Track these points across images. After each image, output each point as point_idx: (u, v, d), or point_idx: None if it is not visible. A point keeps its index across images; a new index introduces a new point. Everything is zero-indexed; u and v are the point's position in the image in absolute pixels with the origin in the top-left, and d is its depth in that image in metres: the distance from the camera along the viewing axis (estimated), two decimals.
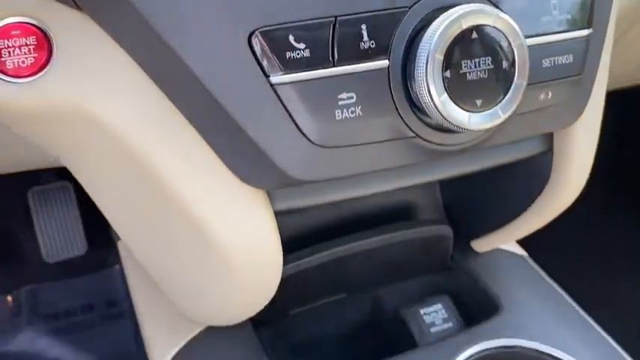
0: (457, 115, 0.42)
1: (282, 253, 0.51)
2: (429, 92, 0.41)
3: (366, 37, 0.42)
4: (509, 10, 0.45)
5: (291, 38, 0.41)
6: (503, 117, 0.44)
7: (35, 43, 0.43)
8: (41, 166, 0.75)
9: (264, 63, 0.41)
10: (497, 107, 0.43)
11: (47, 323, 1.13)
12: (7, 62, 0.43)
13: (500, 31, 0.43)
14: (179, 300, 0.61)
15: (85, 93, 0.44)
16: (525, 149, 0.55)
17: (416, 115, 0.45)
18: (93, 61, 0.44)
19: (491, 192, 0.68)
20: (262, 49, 0.41)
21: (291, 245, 0.54)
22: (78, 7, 0.43)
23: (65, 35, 0.43)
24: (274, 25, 0.41)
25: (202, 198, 0.47)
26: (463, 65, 0.42)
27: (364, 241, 0.65)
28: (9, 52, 0.43)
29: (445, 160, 0.51)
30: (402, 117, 0.44)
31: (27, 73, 0.43)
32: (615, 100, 0.73)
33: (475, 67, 0.42)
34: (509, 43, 0.43)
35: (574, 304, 0.70)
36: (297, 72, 0.41)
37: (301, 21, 0.41)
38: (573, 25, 0.48)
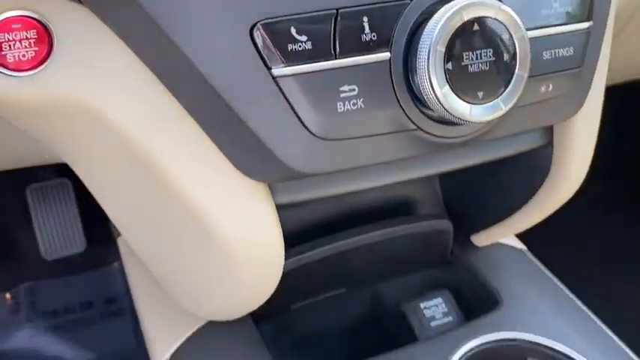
0: (459, 107, 0.42)
1: (283, 246, 0.51)
2: (431, 84, 0.41)
3: (367, 30, 0.42)
4: (510, 2, 0.45)
5: (293, 30, 0.41)
6: (504, 109, 0.44)
7: (36, 36, 0.43)
8: (40, 162, 0.74)
9: (266, 55, 0.41)
10: (499, 99, 0.43)
11: (46, 321, 1.12)
12: (7, 56, 0.42)
13: (502, 23, 0.43)
14: (180, 295, 0.61)
15: (88, 87, 0.44)
16: (526, 142, 0.55)
17: (417, 107, 0.45)
18: (95, 55, 0.44)
19: (491, 186, 0.69)
20: (264, 42, 0.41)
21: (292, 240, 0.54)
22: (79, 1, 0.43)
23: (66, 29, 0.43)
24: (276, 17, 0.41)
25: (204, 192, 0.47)
26: (465, 57, 0.42)
27: (365, 236, 0.65)
28: (9, 45, 0.42)
29: (446, 152, 0.51)
30: (403, 109, 0.44)
31: (27, 67, 0.43)
32: (615, 95, 0.73)
33: (477, 59, 0.42)
34: (511, 36, 0.43)
35: (573, 297, 0.70)
36: (298, 64, 0.41)
37: (303, 13, 0.41)
38: (574, 18, 0.48)
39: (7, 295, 1.13)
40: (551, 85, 0.49)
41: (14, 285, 1.12)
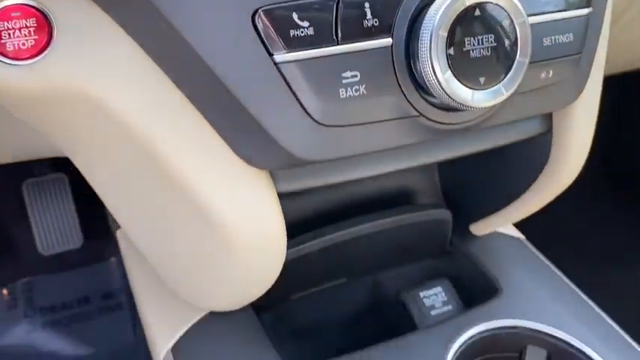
0: (460, 92, 0.42)
1: (285, 234, 0.51)
2: (433, 69, 0.42)
3: (369, 15, 0.42)
4: None
5: (295, 16, 0.41)
6: (506, 94, 0.44)
7: (35, 25, 0.42)
8: (38, 156, 0.74)
9: (268, 41, 0.41)
10: (500, 85, 0.44)
11: (43, 316, 1.12)
12: (7, 44, 0.42)
13: (503, 8, 0.43)
14: (180, 286, 0.61)
15: (88, 76, 0.44)
16: (526, 130, 0.56)
17: (419, 93, 0.45)
18: (95, 44, 0.44)
19: (489, 175, 0.69)
20: (265, 28, 0.41)
21: (292, 230, 0.54)
22: None
23: (66, 17, 0.43)
24: (278, 3, 0.41)
25: (206, 180, 0.47)
26: (466, 42, 0.42)
27: (365, 226, 0.65)
28: (9, 34, 0.42)
29: (448, 140, 0.51)
30: (405, 95, 0.44)
31: (27, 56, 0.43)
32: (614, 85, 0.73)
33: (478, 44, 0.42)
34: (512, 21, 0.43)
35: (572, 285, 0.70)
36: (300, 50, 0.41)
37: None
38: (573, 4, 0.49)
39: (4, 291, 1.12)
40: (551, 72, 0.49)
41: (11, 281, 1.12)
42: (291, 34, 0.41)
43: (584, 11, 0.49)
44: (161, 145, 0.46)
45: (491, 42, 0.43)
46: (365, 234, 0.66)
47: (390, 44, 0.43)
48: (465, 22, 0.42)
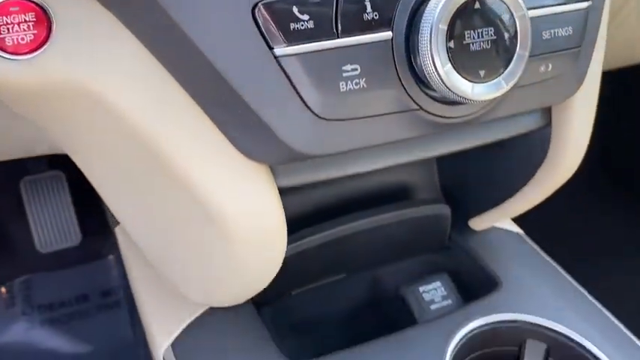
0: (461, 85, 0.42)
1: (286, 229, 0.51)
2: (433, 62, 0.42)
3: (369, 9, 0.42)
4: None
5: (295, 10, 0.41)
6: (506, 87, 0.44)
7: (34, 19, 0.42)
8: (35, 153, 0.74)
9: (268, 35, 0.41)
10: (500, 78, 0.44)
11: (41, 314, 1.12)
12: (6, 39, 0.42)
13: (503, 1, 0.43)
14: (180, 282, 0.61)
15: (88, 72, 0.44)
16: (525, 124, 0.56)
17: (419, 87, 0.45)
18: (95, 39, 0.44)
19: (488, 170, 0.69)
20: (266, 21, 0.41)
21: (291, 226, 0.54)
22: None
23: (65, 12, 0.43)
24: None
25: (206, 174, 0.47)
26: (466, 36, 0.42)
27: (364, 221, 0.66)
28: (8, 28, 0.42)
29: (448, 133, 0.52)
30: (405, 89, 0.44)
31: (26, 50, 0.43)
32: (613, 80, 0.73)
33: (478, 37, 0.42)
34: (512, 14, 0.43)
35: (571, 279, 0.71)
36: (301, 44, 0.41)
37: None
38: None
39: (2, 289, 1.12)
40: (550, 65, 0.49)
41: (9, 279, 1.12)
42: (292, 27, 0.41)
43: (584, 4, 0.49)
44: (162, 141, 0.45)
45: (491, 35, 0.43)
46: (364, 229, 0.66)
47: (390, 37, 0.43)
48: (465, 15, 0.42)
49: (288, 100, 0.43)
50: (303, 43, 0.41)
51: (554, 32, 0.48)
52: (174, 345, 0.63)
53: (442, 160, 0.74)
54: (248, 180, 0.47)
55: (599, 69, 0.57)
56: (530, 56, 0.45)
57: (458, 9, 0.42)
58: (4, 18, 0.42)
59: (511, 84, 0.44)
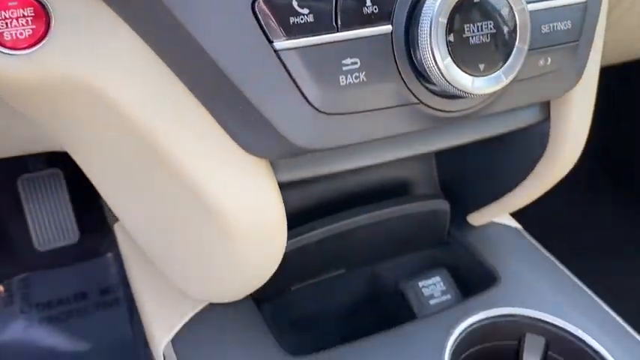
0: (460, 78, 0.42)
1: (286, 224, 0.51)
2: (433, 56, 0.42)
3: (369, 2, 0.42)
4: None
5: (295, 3, 0.41)
6: (505, 81, 0.44)
7: (33, 14, 0.42)
8: (33, 150, 0.74)
9: (268, 29, 0.41)
10: (500, 71, 0.44)
11: (40, 312, 1.12)
12: (4, 34, 0.42)
13: None
14: (180, 278, 0.61)
15: (87, 67, 0.44)
16: (524, 118, 0.56)
17: (419, 81, 0.45)
18: (95, 35, 0.44)
19: (487, 164, 0.69)
20: (265, 15, 0.41)
21: (291, 222, 0.54)
22: None
23: (64, 7, 0.43)
24: None
25: (206, 169, 0.47)
26: (466, 29, 0.42)
27: (364, 216, 0.66)
28: (6, 23, 0.42)
29: (448, 127, 0.52)
30: (405, 83, 0.44)
31: (25, 45, 0.43)
32: (613, 76, 0.73)
33: (478, 31, 0.42)
34: (511, 8, 0.43)
35: (569, 274, 0.71)
36: (300, 37, 0.41)
37: None
38: None
39: (1, 287, 1.12)
40: (549, 59, 0.49)
41: (7, 277, 1.12)
42: (291, 21, 0.41)
43: None
44: (162, 136, 0.45)
45: (491, 29, 0.43)
46: (363, 225, 0.66)
47: (390, 31, 0.43)
48: (465, 9, 0.42)
49: (288, 94, 0.43)
50: (303, 37, 0.41)
51: (554, 26, 0.48)
52: (174, 341, 0.63)
53: (441, 155, 0.74)
54: (248, 175, 0.47)
55: (597, 63, 0.57)
56: (529, 50, 0.45)
57: (457, 2, 0.42)
58: (3, 12, 0.42)
59: (510, 77, 0.44)
